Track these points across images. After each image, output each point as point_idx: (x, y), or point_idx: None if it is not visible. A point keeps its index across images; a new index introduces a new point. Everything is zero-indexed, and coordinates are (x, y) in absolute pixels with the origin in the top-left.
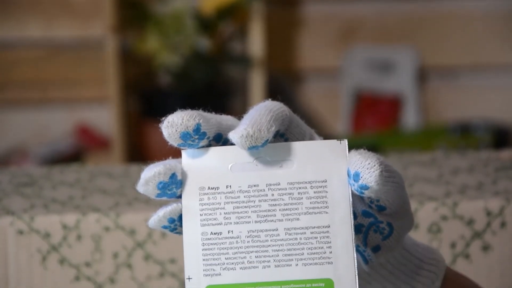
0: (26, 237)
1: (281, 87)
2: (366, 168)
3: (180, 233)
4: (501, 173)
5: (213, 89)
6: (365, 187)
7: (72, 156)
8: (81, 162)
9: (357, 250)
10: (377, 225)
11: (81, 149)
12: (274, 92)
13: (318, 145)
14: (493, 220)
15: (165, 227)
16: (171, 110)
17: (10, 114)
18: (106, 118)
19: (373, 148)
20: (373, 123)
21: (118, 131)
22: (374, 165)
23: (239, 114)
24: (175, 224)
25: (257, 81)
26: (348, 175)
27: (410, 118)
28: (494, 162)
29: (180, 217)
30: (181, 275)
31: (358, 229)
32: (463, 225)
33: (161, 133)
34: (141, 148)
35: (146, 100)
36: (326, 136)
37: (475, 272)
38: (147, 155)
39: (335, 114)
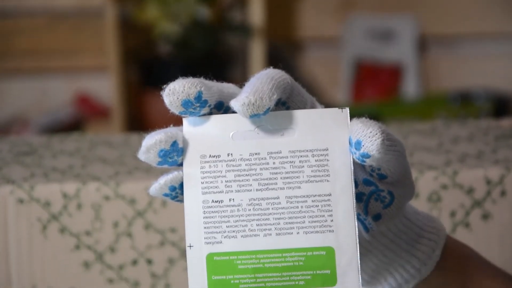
0: (26, 206)
1: (281, 56)
2: (368, 136)
3: (181, 201)
4: (501, 142)
5: (213, 58)
6: (367, 156)
7: (72, 125)
8: (81, 131)
9: (358, 219)
10: (378, 193)
11: (81, 118)
12: (274, 61)
13: (320, 113)
14: (493, 188)
15: (166, 195)
16: (171, 79)
17: (10, 83)
18: (106, 87)
19: (373, 117)
20: (373, 92)
21: (118, 100)
22: (376, 134)
23: (239, 83)
24: (176, 192)
25: (257, 50)
26: (350, 143)
27: (410, 87)
28: (494, 131)
29: (181, 185)
30: (181, 244)
31: (359, 197)
32: (463, 194)
33: (161, 102)
34: (141, 117)
35: (146, 69)
36: (327, 105)
37: (475, 240)
38: (147, 125)
39: (335, 84)
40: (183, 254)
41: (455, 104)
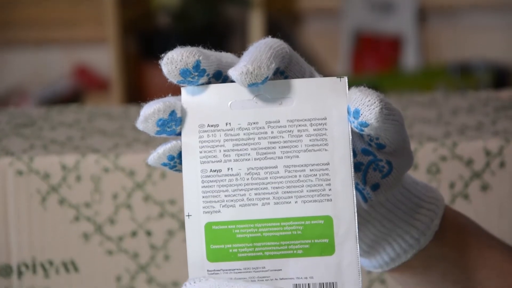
0: (25, 177)
1: (281, 28)
2: (366, 105)
3: (180, 170)
4: (501, 113)
5: (212, 30)
6: (365, 125)
7: (71, 97)
8: (79, 103)
9: (356, 189)
10: (377, 163)
11: (79, 90)
12: (273, 32)
13: (318, 82)
14: (492, 160)
15: (164, 164)
16: (170, 51)
17: (8, 55)
18: (104, 59)
19: (372, 87)
20: (373, 64)
21: (116, 72)
22: (374, 102)
23: (238, 53)
24: (175, 161)
25: (256, 22)
26: (348, 112)
27: (409, 58)
28: (493, 102)
29: (179, 155)
30: (180, 216)
31: (357, 167)
32: (462, 165)
33: (160, 73)
34: (140, 89)
35: (145, 41)
36: (326, 76)
37: (474, 212)
38: (146, 96)
39: (334, 55)
40: (182, 225)
41: (455, 75)
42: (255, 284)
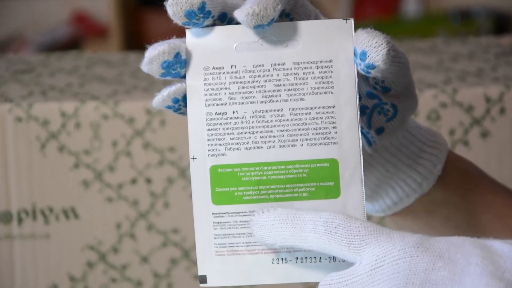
0: (25, 124)
1: None
2: (374, 46)
3: (184, 113)
4: (501, 59)
5: None
6: (372, 66)
7: (70, 44)
8: (79, 50)
9: (361, 132)
10: (382, 106)
11: (79, 37)
12: None
13: (324, 24)
14: (493, 106)
15: (169, 107)
16: None
17: (7, 1)
18: (103, 6)
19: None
20: (373, 11)
21: (115, 19)
22: (382, 44)
23: None
24: (179, 104)
25: None
26: (355, 54)
27: (410, 5)
28: (494, 48)
29: (184, 97)
30: (180, 163)
31: (362, 110)
32: (462, 112)
33: (159, 19)
34: (139, 36)
35: None
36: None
37: (474, 158)
38: (145, 43)
39: (335, 2)
40: (182, 173)
41: (455, 22)
42: (323, 213)
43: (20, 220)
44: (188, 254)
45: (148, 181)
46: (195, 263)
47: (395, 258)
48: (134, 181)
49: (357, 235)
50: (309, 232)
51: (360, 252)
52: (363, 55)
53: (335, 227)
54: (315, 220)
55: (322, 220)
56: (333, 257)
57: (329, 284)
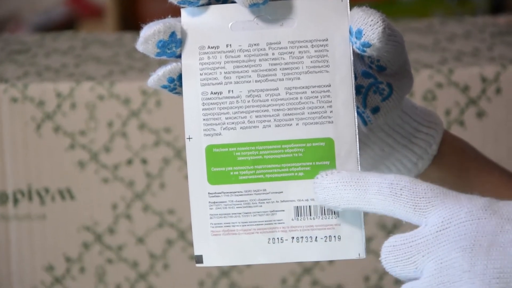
0: (20, 105)
1: None
2: (369, 25)
3: (179, 93)
4: (497, 39)
5: None
6: (367, 45)
7: (65, 24)
8: (74, 30)
9: (357, 112)
10: (377, 85)
11: (74, 17)
12: None
13: (319, 3)
14: (488, 86)
15: (164, 86)
16: None
17: None
18: None
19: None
20: None
21: None
22: (377, 22)
23: None
24: (175, 83)
25: None
26: (350, 32)
27: None
28: (490, 28)
29: (179, 77)
30: (176, 144)
31: (357, 90)
32: (458, 92)
33: (154, 0)
34: (135, 16)
35: None
36: None
37: (469, 138)
38: (140, 23)
39: None
40: (177, 154)
41: (451, 1)
42: (389, 175)
43: (16, 201)
44: (184, 235)
45: (144, 161)
46: (191, 244)
47: (462, 220)
48: (130, 162)
49: (423, 197)
50: (373, 194)
51: (426, 214)
52: (359, 34)
53: (401, 189)
54: (380, 182)
55: (387, 182)
56: (329, 235)
57: (393, 246)
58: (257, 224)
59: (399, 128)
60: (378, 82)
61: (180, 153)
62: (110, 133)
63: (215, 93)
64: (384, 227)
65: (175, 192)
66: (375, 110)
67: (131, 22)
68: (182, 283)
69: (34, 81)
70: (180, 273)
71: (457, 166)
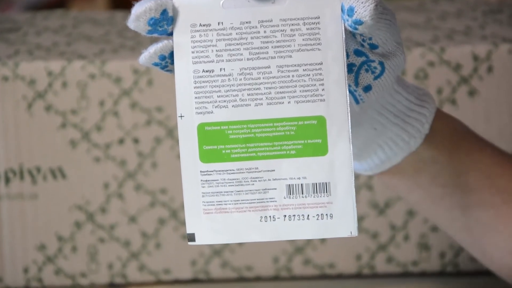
0: (11, 84)
1: None
2: (361, 2)
3: (171, 71)
4: (489, 17)
5: None
6: (359, 22)
7: (56, 3)
8: (65, 8)
9: (349, 90)
10: (369, 64)
11: None
12: None
13: None
14: (480, 65)
15: (156, 64)
16: None
17: None
18: None
19: None
20: None
21: None
22: None
23: None
24: (166, 61)
25: None
26: (342, 10)
27: None
28: (482, 6)
29: (170, 55)
30: (168, 123)
31: (349, 68)
32: (450, 71)
33: None
34: None
35: None
36: None
37: (461, 117)
38: (131, 2)
39: None
40: (169, 133)
41: None
42: None
43: (7, 180)
44: (176, 214)
45: (136, 141)
46: (183, 223)
47: None
48: (121, 141)
49: None
50: None
51: None
52: (351, 11)
53: None
54: None
55: None
56: (321, 214)
57: None
58: (249, 202)
59: (391, 106)
60: (370, 60)
61: (172, 132)
62: (102, 112)
63: (206, 71)
64: (376, 205)
65: (167, 172)
66: (367, 88)
67: (122, 0)
68: (174, 262)
69: (25, 60)
70: (172, 252)
71: (449, 145)
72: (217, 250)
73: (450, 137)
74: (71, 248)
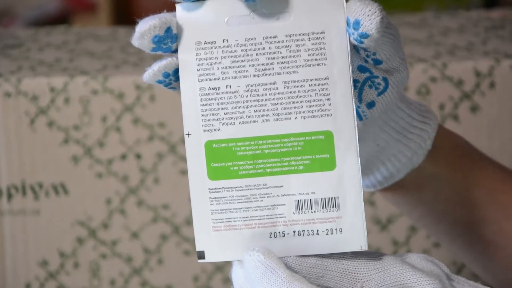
0: (14, 99)
1: None
2: (367, 15)
3: (175, 88)
4: (491, 33)
5: None
6: (365, 35)
7: (59, 19)
8: (67, 24)
9: None
10: (373, 80)
11: (67, 12)
12: None
13: None
14: (482, 80)
15: (159, 81)
16: None
17: None
18: None
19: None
20: None
21: None
22: (375, 12)
23: None
24: (170, 79)
25: None
26: (348, 23)
27: None
28: (484, 22)
29: (174, 72)
30: (170, 138)
31: (353, 84)
32: (452, 86)
33: None
34: (128, 10)
35: None
36: None
37: (463, 133)
38: (134, 18)
39: None
40: (172, 148)
41: None
42: None
43: (9, 196)
44: (178, 230)
45: (138, 156)
46: (185, 239)
47: None
48: (123, 157)
49: None
50: None
51: None
52: (356, 24)
53: None
54: None
55: None
56: (331, 228)
57: None
58: (258, 219)
59: (394, 123)
60: (374, 76)
61: (174, 148)
62: (104, 127)
63: (213, 89)
64: (378, 221)
65: (170, 187)
66: (371, 105)
67: (125, 16)
68: (177, 278)
69: (28, 76)
70: (175, 268)
71: (452, 161)
72: (220, 266)
73: (452, 153)
74: (73, 264)
